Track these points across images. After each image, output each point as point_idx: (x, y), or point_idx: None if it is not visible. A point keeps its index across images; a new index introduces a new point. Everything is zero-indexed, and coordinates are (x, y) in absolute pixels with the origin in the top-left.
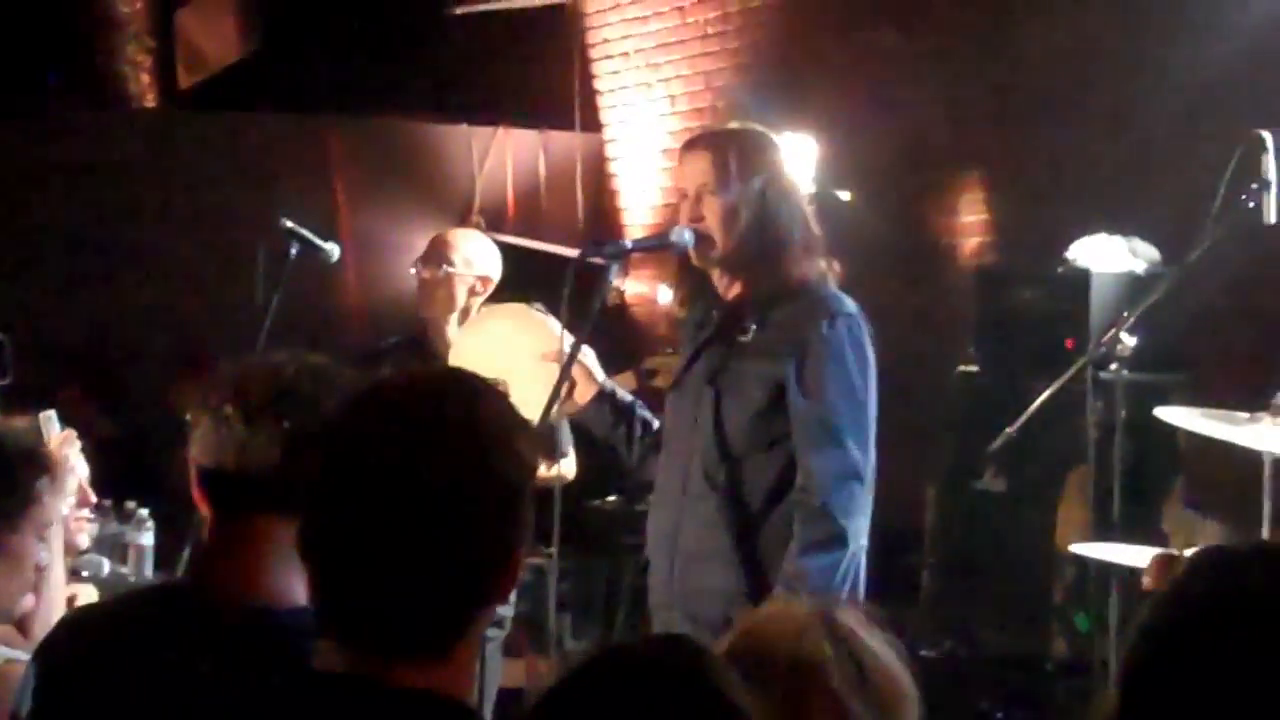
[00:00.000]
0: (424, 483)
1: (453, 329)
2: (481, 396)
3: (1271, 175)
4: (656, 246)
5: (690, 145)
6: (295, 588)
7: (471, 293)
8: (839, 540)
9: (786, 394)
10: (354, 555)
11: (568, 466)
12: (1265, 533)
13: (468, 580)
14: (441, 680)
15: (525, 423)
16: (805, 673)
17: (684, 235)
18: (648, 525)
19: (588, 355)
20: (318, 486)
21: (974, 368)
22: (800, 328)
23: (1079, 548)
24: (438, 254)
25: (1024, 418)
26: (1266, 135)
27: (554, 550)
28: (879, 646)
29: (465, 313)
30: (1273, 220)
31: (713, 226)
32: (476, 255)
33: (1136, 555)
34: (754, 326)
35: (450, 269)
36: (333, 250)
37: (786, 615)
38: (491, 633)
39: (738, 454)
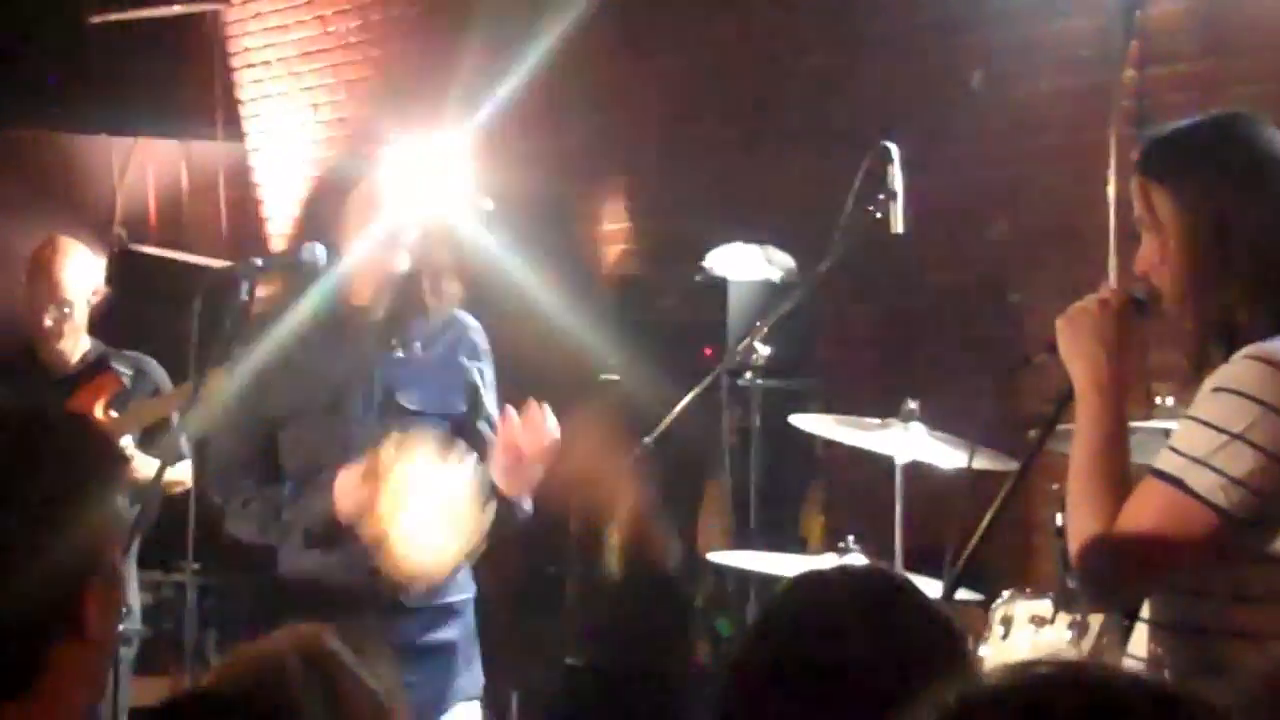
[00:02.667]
0: None
1: (68, 341)
2: (50, 431)
3: (898, 186)
4: (289, 265)
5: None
6: None
7: (80, 303)
8: None
9: (475, 403)
10: None
11: (183, 472)
12: (898, 535)
13: (32, 618)
14: (34, 714)
15: (101, 455)
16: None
17: (315, 252)
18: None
19: None
20: None
21: (615, 376)
22: (468, 340)
23: (717, 555)
24: (41, 269)
25: (661, 426)
26: (892, 146)
27: (190, 565)
28: (360, 670)
29: (75, 324)
30: (899, 230)
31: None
32: (83, 265)
33: (773, 562)
34: (417, 343)
35: (57, 283)
36: None
37: (260, 650)
38: (121, 651)
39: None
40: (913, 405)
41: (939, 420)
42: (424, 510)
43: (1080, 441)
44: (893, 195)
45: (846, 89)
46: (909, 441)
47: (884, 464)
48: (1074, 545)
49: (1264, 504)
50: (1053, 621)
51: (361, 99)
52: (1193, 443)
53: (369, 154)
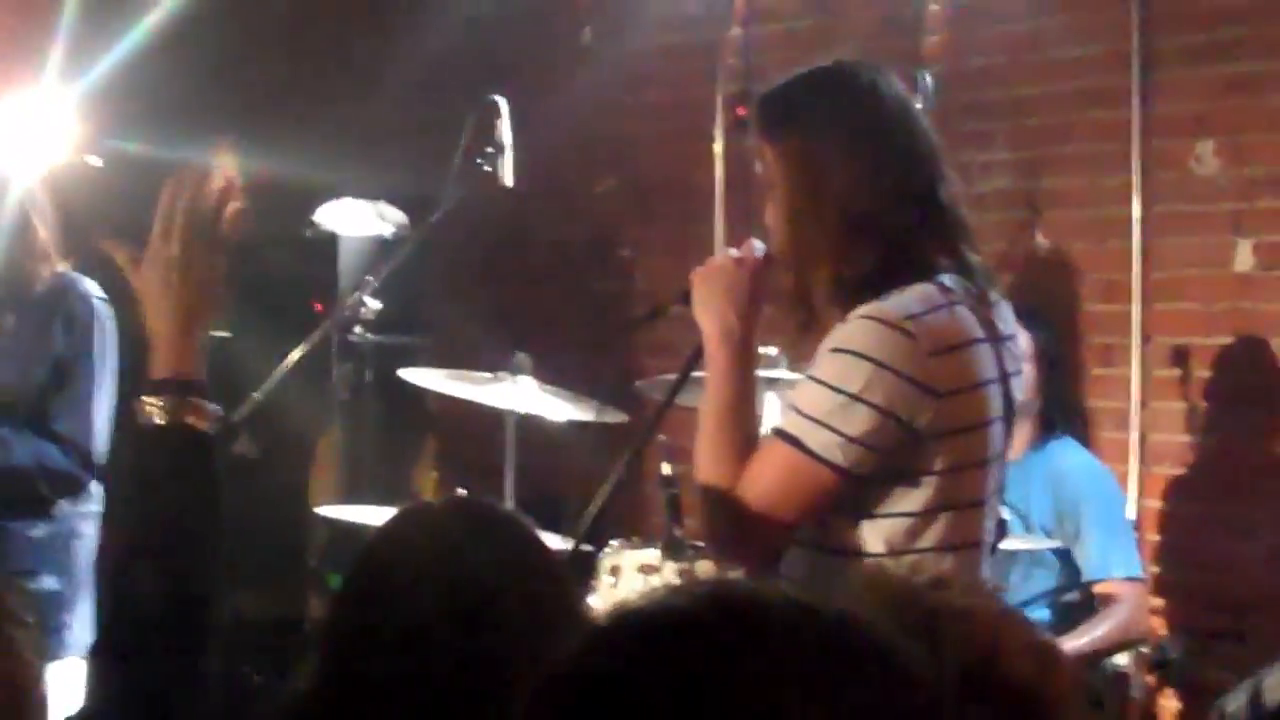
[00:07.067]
0: None
1: None
2: None
3: (506, 140)
4: None
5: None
6: None
7: None
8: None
9: (56, 377)
10: None
11: None
12: (509, 486)
13: None
14: None
15: None
16: None
17: None
18: None
19: None
20: None
21: (225, 333)
22: (59, 315)
23: (329, 510)
24: None
25: (270, 382)
26: (500, 100)
27: None
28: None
29: None
30: (509, 184)
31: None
32: None
33: (386, 516)
34: (12, 317)
35: None
36: None
37: None
38: None
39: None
40: (523, 359)
41: (549, 373)
42: None
43: (708, 398)
44: (501, 149)
45: (456, 44)
46: (519, 395)
47: (496, 418)
48: (702, 502)
49: (881, 460)
50: (661, 570)
51: None
52: (811, 403)
53: None
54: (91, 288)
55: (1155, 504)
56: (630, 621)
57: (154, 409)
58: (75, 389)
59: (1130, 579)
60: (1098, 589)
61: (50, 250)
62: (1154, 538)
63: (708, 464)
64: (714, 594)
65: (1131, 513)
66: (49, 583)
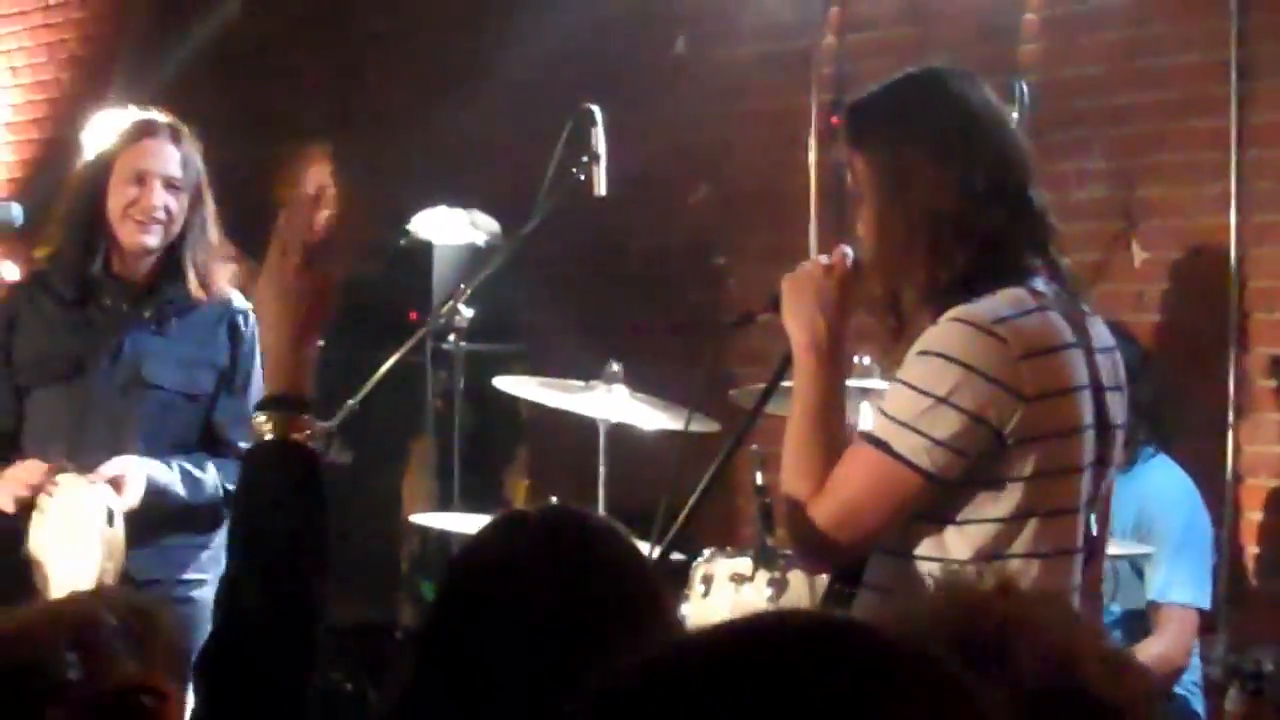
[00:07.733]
0: None
1: None
2: None
3: (600, 148)
4: None
5: (161, 129)
6: None
7: None
8: None
9: (218, 386)
10: None
11: None
12: (601, 495)
13: None
14: None
15: None
16: None
17: (10, 211)
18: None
19: None
20: None
21: (319, 341)
22: (223, 325)
23: (421, 518)
24: None
25: (364, 390)
26: (595, 108)
27: None
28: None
29: None
30: (602, 192)
31: (176, 217)
32: None
33: (478, 524)
34: (174, 318)
35: None
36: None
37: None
38: None
39: (177, 444)
40: (615, 368)
41: (641, 382)
42: (67, 538)
43: (795, 404)
44: (596, 158)
45: (551, 52)
46: (612, 403)
47: (588, 426)
48: (787, 508)
49: (969, 464)
50: (753, 579)
51: (62, 63)
52: (899, 406)
53: (77, 121)
54: (240, 298)
55: (1253, 516)
56: (690, 650)
57: (264, 425)
58: (246, 400)
59: (1185, 605)
60: (1151, 610)
61: (226, 248)
62: (1250, 549)
63: (793, 470)
64: (786, 627)
65: (1226, 525)
66: (207, 593)
